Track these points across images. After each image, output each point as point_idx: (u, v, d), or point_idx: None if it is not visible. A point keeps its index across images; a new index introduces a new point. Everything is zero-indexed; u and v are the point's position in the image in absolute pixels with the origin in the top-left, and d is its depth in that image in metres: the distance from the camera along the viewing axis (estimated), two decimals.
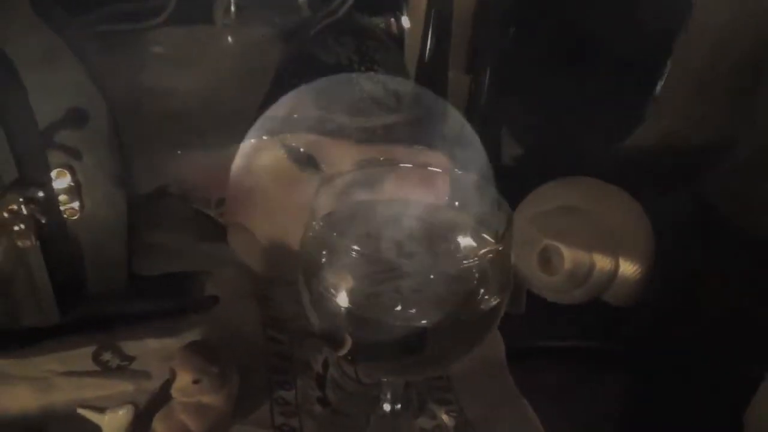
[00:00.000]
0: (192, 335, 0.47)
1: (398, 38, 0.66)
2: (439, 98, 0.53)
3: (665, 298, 0.57)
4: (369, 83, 0.51)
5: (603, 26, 0.58)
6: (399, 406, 0.42)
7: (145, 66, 0.54)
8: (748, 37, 0.61)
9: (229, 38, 0.58)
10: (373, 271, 0.36)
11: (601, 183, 0.57)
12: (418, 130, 0.51)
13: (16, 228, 0.43)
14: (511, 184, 0.45)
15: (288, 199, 0.51)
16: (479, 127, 0.50)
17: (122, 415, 0.41)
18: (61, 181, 0.44)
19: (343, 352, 0.37)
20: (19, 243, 0.43)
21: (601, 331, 0.55)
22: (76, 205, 0.45)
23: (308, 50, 0.55)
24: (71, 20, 0.48)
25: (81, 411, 0.41)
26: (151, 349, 0.46)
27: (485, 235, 0.38)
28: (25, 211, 0.43)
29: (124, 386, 0.44)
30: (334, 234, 0.37)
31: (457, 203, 0.41)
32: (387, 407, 0.42)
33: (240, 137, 0.52)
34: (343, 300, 0.36)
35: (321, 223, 0.37)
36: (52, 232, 0.44)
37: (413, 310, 0.36)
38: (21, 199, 0.43)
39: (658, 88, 0.60)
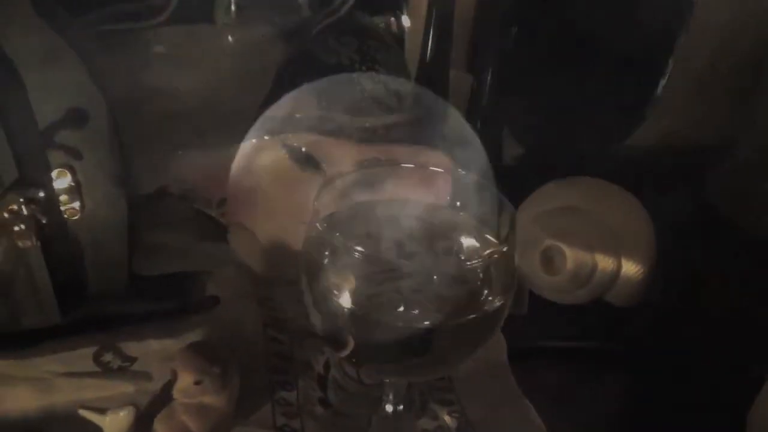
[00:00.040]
0: (193, 336, 0.47)
1: (398, 37, 0.66)
2: (439, 98, 0.53)
3: (666, 298, 0.57)
4: (370, 83, 0.51)
5: (604, 26, 0.58)
6: (401, 407, 0.42)
7: (146, 66, 0.53)
8: (748, 37, 0.61)
9: (230, 38, 0.57)
10: (376, 272, 0.36)
11: (603, 182, 0.57)
12: (419, 130, 0.50)
13: (16, 228, 0.42)
14: (513, 183, 0.45)
15: (289, 199, 0.51)
16: (481, 126, 0.50)
17: (123, 417, 0.41)
18: (61, 181, 0.44)
19: (346, 353, 0.37)
20: (20, 243, 0.43)
21: (602, 331, 0.55)
22: (76, 205, 0.44)
23: (309, 50, 0.55)
24: (72, 20, 0.47)
25: (82, 412, 0.41)
26: (152, 350, 0.46)
27: (488, 236, 0.38)
28: (25, 212, 0.43)
29: (125, 387, 0.44)
30: (337, 235, 0.37)
31: (459, 203, 0.41)
32: (389, 408, 0.42)
33: (240, 137, 0.51)
34: (345, 301, 0.36)
35: (323, 224, 0.37)
36: (53, 233, 0.44)
37: (416, 311, 0.36)
38: (21, 200, 0.42)
39: (660, 88, 0.60)
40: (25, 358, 0.44)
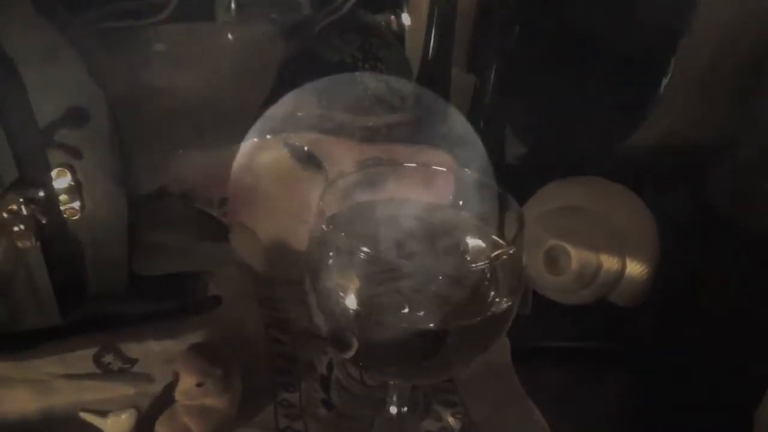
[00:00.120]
0: (194, 337, 0.46)
1: (399, 35, 0.65)
2: (439, 98, 0.53)
3: (666, 298, 0.57)
4: (373, 82, 0.50)
5: (606, 26, 0.58)
6: (405, 408, 0.42)
7: (146, 64, 0.53)
8: (748, 37, 0.61)
9: (230, 36, 0.57)
10: (381, 273, 0.36)
11: (607, 182, 0.57)
12: (420, 130, 0.50)
13: (16, 228, 0.42)
14: (515, 183, 0.45)
15: (290, 198, 0.50)
16: (483, 126, 0.50)
17: (125, 419, 0.41)
18: (61, 180, 0.43)
19: (350, 354, 0.37)
20: (19, 243, 0.42)
21: (605, 331, 0.55)
22: (76, 204, 0.44)
23: (311, 48, 0.54)
24: (72, 18, 0.47)
25: (83, 415, 0.41)
26: (152, 351, 0.46)
27: (495, 237, 0.38)
28: (25, 212, 0.42)
29: (126, 389, 0.44)
30: (342, 235, 0.36)
31: (463, 203, 0.41)
32: (393, 410, 0.42)
33: (241, 136, 0.51)
34: (350, 302, 0.35)
35: (328, 224, 0.36)
36: (53, 233, 0.43)
37: (421, 313, 0.36)
38: (21, 200, 0.42)
39: (661, 88, 0.60)
40: (25, 359, 0.44)
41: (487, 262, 0.36)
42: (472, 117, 0.54)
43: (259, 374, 0.45)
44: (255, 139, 0.50)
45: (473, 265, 0.38)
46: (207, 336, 0.47)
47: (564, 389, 0.51)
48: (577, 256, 0.53)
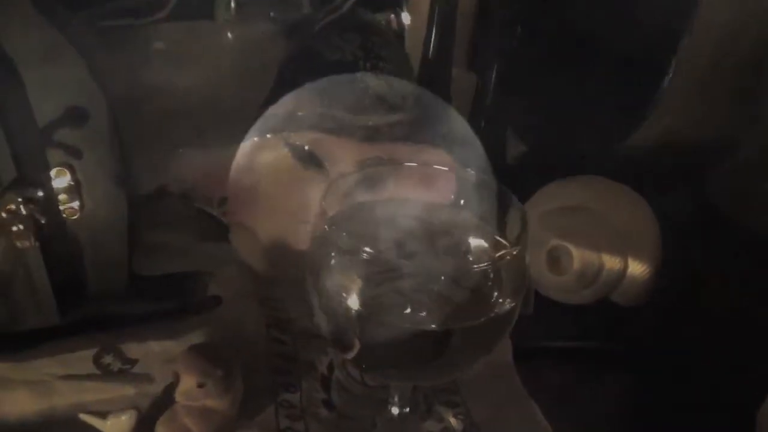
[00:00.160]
0: (195, 337, 0.46)
1: (398, 35, 0.65)
2: (438, 98, 0.53)
3: (666, 298, 0.57)
4: (374, 81, 0.50)
5: (608, 26, 0.58)
6: (407, 409, 0.41)
7: (146, 63, 0.53)
8: (748, 37, 0.61)
9: (229, 35, 0.57)
10: (383, 273, 0.36)
11: (609, 181, 0.57)
12: (422, 129, 0.50)
13: (14, 228, 0.42)
14: (516, 183, 0.44)
15: (291, 198, 0.50)
16: (485, 126, 0.50)
17: (125, 420, 0.40)
18: (60, 180, 0.43)
19: (351, 355, 0.37)
20: (18, 243, 0.42)
21: (605, 331, 0.55)
22: (75, 204, 0.44)
23: (311, 47, 0.54)
24: (72, 16, 0.47)
25: (83, 416, 0.40)
26: (153, 352, 0.45)
27: (498, 237, 0.38)
28: (24, 211, 0.42)
29: (126, 390, 0.43)
30: (344, 235, 0.36)
31: (465, 202, 0.40)
32: (395, 411, 0.41)
33: (241, 135, 0.51)
34: (353, 302, 0.35)
35: (330, 224, 0.36)
36: (52, 232, 0.43)
37: (423, 313, 0.36)
38: (20, 199, 0.42)
39: (663, 87, 0.60)
40: (24, 360, 0.44)
41: (489, 262, 0.35)
42: (474, 117, 0.54)
43: (259, 374, 0.45)
44: (255, 139, 0.50)
45: (476, 266, 0.37)
46: (207, 336, 0.47)
47: (565, 389, 0.51)
48: (579, 256, 0.53)
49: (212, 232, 0.54)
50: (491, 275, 0.35)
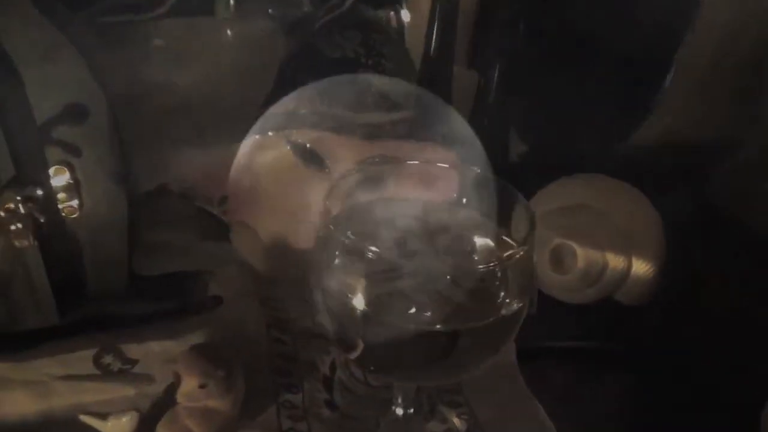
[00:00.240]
0: (195, 337, 0.46)
1: (398, 32, 0.65)
2: (438, 97, 0.52)
3: (666, 298, 0.57)
4: (375, 79, 0.50)
5: (609, 25, 0.57)
6: (411, 410, 0.41)
7: (146, 61, 0.52)
8: (749, 37, 0.61)
9: (229, 31, 0.56)
10: (387, 273, 0.35)
11: (611, 180, 0.57)
12: (424, 127, 0.50)
13: (13, 227, 0.41)
14: (517, 182, 0.44)
15: (292, 197, 0.50)
16: (487, 125, 0.50)
17: (126, 422, 0.40)
18: (59, 178, 0.43)
19: (355, 355, 0.37)
20: (17, 243, 0.42)
21: (606, 331, 0.55)
22: (75, 203, 0.43)
23: (312, 44, 0.54)
24: (71, 14, 0.46)
25: (83, 417, 0.40)
26: (153, 352, 0.45)
27: (504, 237, 0.38)
28: (22, 210, 0.41)
29: (126, 390, 0.43)
30: (348, 233, 0.36)
31: (471, 202, 0.40)
32: (399, 411, 0.41)
33: (242, 134, 0.50)
34: (357, 302, 0.35)
35: (334, 224, 0.36)
36: (51, 231, 0.43)
37: (428, 313, 0.36)
38: (18, 198, 0.41)
39: (664, 87, 0.60)
40: (23, 360, 0.43)
41: (496, 262, 0.35)
42: (475, 116, 0.53)
43: (260, 375, 0.45)
44: (256, 137, 0.50)
45: (481, 266, 0.37)
46: (208, 336, 0.46)
47: (565, 389, 0.51)
48: (583, 255, 0.52)
49: (213, 231, 0.53)
50: (498, 274, 0.34)
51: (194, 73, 0.53)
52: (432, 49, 0.59)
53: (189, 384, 0.39)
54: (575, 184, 0.57)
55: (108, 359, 0.44)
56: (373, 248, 0.33)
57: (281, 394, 0.45)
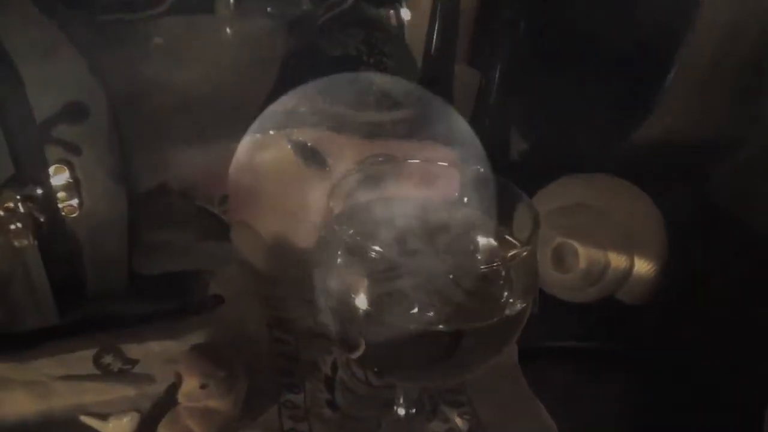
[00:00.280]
0: (196, 337, 0.45)
1: (399, 31, 0.65)
2: (437, 96, 0.52)
3: (666, 298, 0.57)
4: (377, 77, 0.50)
5: (610, 25, 0.57)
6: (413, 410, 0.41)
7: (146, 59, 0.52)
8: (749, 37, 0.61)
9: (229, 30, 0.56)
10: (390, 272, 0.35)
11: (613, 178, 0.56)
12: (425, 126, 0.50)
13: (12, 227, 0.41)
14: (518, 181, 0.44)
15: (292, 196, 0.49)
16: (489, 124, 0.49)
17: (126, 423, 0.40)
18: (59, 177, 0.42)
19: (357, 354, 0.36)
20: (16, 242, 0.41)
21: (606, 331, 0.55)
22: (74, 202, 0.43)
23: (314, 42, 0.53)
24: (71, 11, 0.46)
25: (83, 418, 0.40)
26: (153, 352, 0.45)
27: (507, 237, 0.37)
28: (22, 209, 0.41)
29: (126, 391, 0.43)
30: (351, 233, 0.36)
31: (474, 201, 0.40)
32: (401, 411, 0.41)
33: (242, 132, 0.50)
34: (360, 301, 0.35)
35: (336, 223, 0.36)
36: (50, 231, 0.42)
37: (430, 313, 0.36)
38: (18, 197, 0.41)
39: (665, 86, 0.60)
40: (23, 360, 0.43)
41: (499, 262, 0.35)
42: (477, 115, 0.53)
43: (261, 375, 0.45)
44: (257, 136, 0.49)
45: (484, 266, 0.37)
46: (208, 336, 0.46)
47: (566, 389, 0.51)
48: (585, 254, 0.52)
49: (213, 230, 0.53)
50: (503, 274, 0.34)
51: (194, 71, 0.52)
52: (433, 47, 0.58)
53: (190, 384, 0.39)
54: (576, 183, 0.57)
55: (108, 359, 0.44)
56: (376, 248, 0.33)
57: (283, 394, 0.45)
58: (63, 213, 0.43)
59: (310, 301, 0.47)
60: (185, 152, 0.52)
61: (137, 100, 0.49)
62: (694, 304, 0.57)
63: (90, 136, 0.43)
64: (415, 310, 0.35)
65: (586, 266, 0.53)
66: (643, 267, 0.53)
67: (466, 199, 0.41)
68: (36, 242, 0.42)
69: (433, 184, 0.41)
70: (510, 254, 0.34)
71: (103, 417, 0.40)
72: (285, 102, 0.50)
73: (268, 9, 0.59)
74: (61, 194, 0.42)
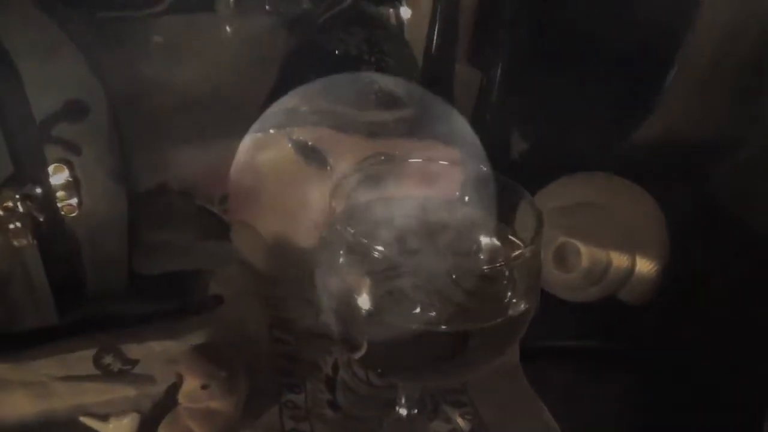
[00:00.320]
0: (196, 337, 0.45)
1: (398, 29, 0.64)
2: (442, 94, 0.52)
3: (668, 298, 0.57)
4: (379, 76, 0.50)
5: (611, 25, 0.57)
6: (415, 410, 0.41)
7: (146, 57, 0.52)
8: (749, 37, 0.61)
9: (230, 28, 0.56)
10: (392, 272, 0.35)
11: (615, 178, 0.56)
12: (426, 125, 0.50)
13: (11, 226, 0.41)
14: (519, 180, 0.44)
15: (293, 195, 0.49)
16: (489, 123, 0.49)
17: (127, 423, 0.40)
18: (58, 176, 0.42)
19: (359, 354, 0.36)
20: (15, 242, 0.41)
21: (606, 331, 0.55)
22: (74, 201, 0.43)
23: (315, 41, 0.53)
24: (71, 10, 0.45)
25: (84, 419, 0.39)
26: (154, 352, 0.44)
27: (511, 237, 0.37)
28: (21, 209, 0.41)
29: (127, 391, 0.42)
30: (353, 232, 0.35)
31: (476, 200, 0.40)
32: (403, 412, 0.41)
33: (242, 131, 0.50)
34: (362, 301, 0.35)
35: (338, 223, 0.36)
36: (50, 230, 0.42)
37: (433, 313, 0.35)
38: (17, 196, 0.41)
39: (665, 86, 0.60)
40: (22, 361, 0.42)
41: (503, 262, 0.35)
42: (478, 114, 0.53)
43: (262, 375, 0.45)
44: (258, 135, 0.49)
45: (487, 266, 0.37)
46: (208, 336, 0.46)
47: (566, 389, 0.51)
48: (587, 253, 0.52)
49: (213, 230, 0.53)
50: (506, 273, 0.34)
51: (194, 70, 0.52)
52: (433, 46, 0.58)
53: (191, 385, 0.39)
54: (578, 182, 0.57)
55: (108, 359, 0.44)
56: (379, 247, 0.33)
57: (284, 394, 0.44)
58: (62, 212, 0.42)
59: (310, 300, 0.47)
60: (185, 151, 0.51)
61: (137, 99, 0.49)
62: (694, 304, 0.57)
63: (90, 135, 0.42)
64: (418, 310, 0.35)
65: (589, 265, 0.53)
66: (644, 266, 0.53)
67: (467, 198, 0.40)
68: (35, 242, 0.42)
69: (435, 183, 0.41)
70: (514, 254, 0.34)
71: (104, 418, 0.40)
72: (286, 101, 0.50)
73: (267, 7, 0.58)
74: (60, 193, 0.42)
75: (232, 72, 0.54)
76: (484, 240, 0.39)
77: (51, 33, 0.41)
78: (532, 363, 0.49)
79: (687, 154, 0.63)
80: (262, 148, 0.49)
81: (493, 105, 0.60)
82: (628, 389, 0.53)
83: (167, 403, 0.40)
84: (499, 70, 0.59)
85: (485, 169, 0.46)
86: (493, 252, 0.38)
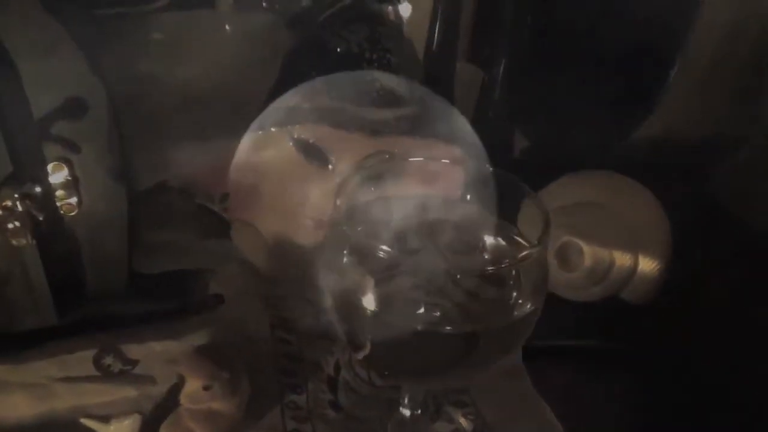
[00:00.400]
0: (197, 337, 0.45)
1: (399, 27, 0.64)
2: (443, 92, 0.52)
3: (668, 298, 0.57)
4: (380, 75, 0.49)
5: (612, 24, 0.57)
6: (419, 411, 0.41)
7: (146, 55, 0.51)
8: (749, 37, 0.61)
9: (230, 25, 0.55)
10: (395, 272, 0.35)
11: (618, 176, 0.56)
12: (427, 124, 0.49)
13: (10, 225, 0.40)
14: (521, 178, 0.44)
15: (294, 194, 0.49)
16: (491, 121, 0.49)
17: (128, 425, 0.39)
18: (57, 175, 0.41)
19: (363, 354, 0.36)
20: (14, 241, 0.41)
21: (609, 330, 0.55)
22: (73, 200, 0.42)
23: (317, 38, 0.53)
24: (70, 7, 0.45)
25: (85, 421, 0.39)
26: (154, 352, 0.44)
27: (516, 237, 0.37)
28: (20, 208, 0.40)
29: (127, 392, 0.42)
30: (357, 232, 0.35)
31: (479, 199, 0.40)
32: (406, 413, 0.41)
33: (243, 129, 0.50)
34: (366, 301, 0.34)
35: (342, 222, 0.35)
36: (49, 229, 0.42)
37: (437, 314, 0.35)
38: (16, 195, 0.40)
39: (665, 86, 0.60)
40: (21, 362, 0.42)
41: (509, 262, 0.35)
42: (480, 112, 0.53)
43: (264, 375, 0.44)
44: (258, 133, 0.49)
45: (491, 267, 0.37)
46: (209, 336, 0.45)
47: (566, 388, 0.51)
48: (590, 253, 0.52)
49: (214, 229, 0.52)
50: (513, 273, 0.34)
51: (194, 67, 0.51)
52: (434, 44, 0.58)
53: (193, 385, 0.39)
54: (580, 181, 0.57)
55: (108, 360, 0.44)
56: (384, 247, 0.33)
57: (285, 394, 0.44)
58: (62, 211, 0.42)
59: (310, 300, 0.47)
60: (185, 150, 0.51)
61: (137, 97, 0.48)
62: (694, 304, 0.57)
63: (89, 134, 0.42)
64: (422, 310, 0.35)
65: (592, 265, 0.52)
66: (647, 265, 0.53)
67: (468, 197, 0.40)
68: (34, 241, 0.41)
69: (437, 181, 0.41)
70: (521, 255, 0.34)
71: (105, 419, 0.39)
72: (287, 99, 0.49)
73: (264, 4, 0.58)
74: (59, 192, 0.42)
75: (232, 70, 0.53)
76: (489, 240, 0.38)
77: (50, 31, 0.40)
78: (533, 363, 0.49)
79: (687, 153, 0.63)
80: (262, 146, 0.49)
81: (494, 104, 0.60)
82: (628, 389, 0.53)
83: (169, 404, 0.40)
84: (501, 69, 0.59)
85: (487, 167, 0.46)
86: (498, 252, 0.38)
